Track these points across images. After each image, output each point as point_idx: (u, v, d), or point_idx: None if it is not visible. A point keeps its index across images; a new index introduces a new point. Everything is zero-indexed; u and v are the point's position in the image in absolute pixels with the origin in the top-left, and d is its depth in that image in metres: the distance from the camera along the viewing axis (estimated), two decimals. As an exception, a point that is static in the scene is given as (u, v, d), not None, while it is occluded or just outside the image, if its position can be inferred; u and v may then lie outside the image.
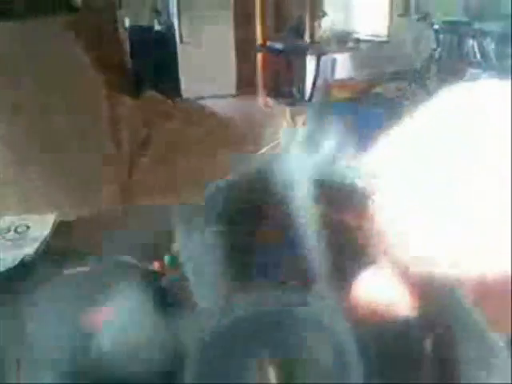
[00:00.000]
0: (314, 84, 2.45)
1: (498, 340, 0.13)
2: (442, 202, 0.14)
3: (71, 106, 1.34)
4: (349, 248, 0.16)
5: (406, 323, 0.14)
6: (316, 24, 2.57)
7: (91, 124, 1.41)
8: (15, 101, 1.21)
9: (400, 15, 2.80)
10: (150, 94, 1.95)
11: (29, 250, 0.72)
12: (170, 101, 2.02)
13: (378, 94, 2.31)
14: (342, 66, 2.62)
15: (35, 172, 1.12)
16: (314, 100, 2.31)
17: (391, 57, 2.59)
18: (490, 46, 2.51)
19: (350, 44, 2.54)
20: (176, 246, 0.18)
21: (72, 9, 1.78)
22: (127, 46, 2.45)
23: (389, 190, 0.15)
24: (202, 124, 1.73)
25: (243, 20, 2.64)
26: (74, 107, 1.34)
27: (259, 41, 2.63)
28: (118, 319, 0.14)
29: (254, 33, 2.63)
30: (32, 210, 0.95)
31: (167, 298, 0.16)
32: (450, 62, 2.60)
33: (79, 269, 0.17)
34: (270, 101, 2.18)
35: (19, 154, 1.12)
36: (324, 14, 2.64)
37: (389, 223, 0.14)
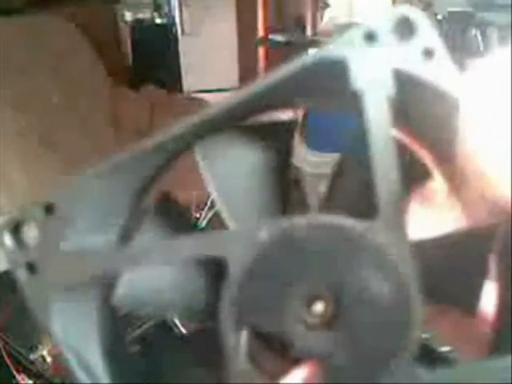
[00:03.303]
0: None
1: None
2: None
3: (74, 100, 1.33)
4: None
5: None
6: (318, 16, 2.54)
7: (95, 119, 1.41)
8: (18, 97, 1.21)
9: (402, 5, 2.77)
10: (150, 87, 1.94)
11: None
12: (169, 94, 2.01)
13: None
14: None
15: (39, 169, 1.12)
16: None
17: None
18: (494, 36, 2.48)
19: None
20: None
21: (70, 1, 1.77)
22: (128, 40, 2.44)
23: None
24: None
25: (245, 12, 2.62)
26: (78, 103, 1.34)
27: (261, 33, 2.61)
28: None
29: (255, 25, 2.61)
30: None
31: None
32: (453, 52, 2.57)
33: None
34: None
35: (22, 150, 1.12)
36: (326, 6, 2.62)
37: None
